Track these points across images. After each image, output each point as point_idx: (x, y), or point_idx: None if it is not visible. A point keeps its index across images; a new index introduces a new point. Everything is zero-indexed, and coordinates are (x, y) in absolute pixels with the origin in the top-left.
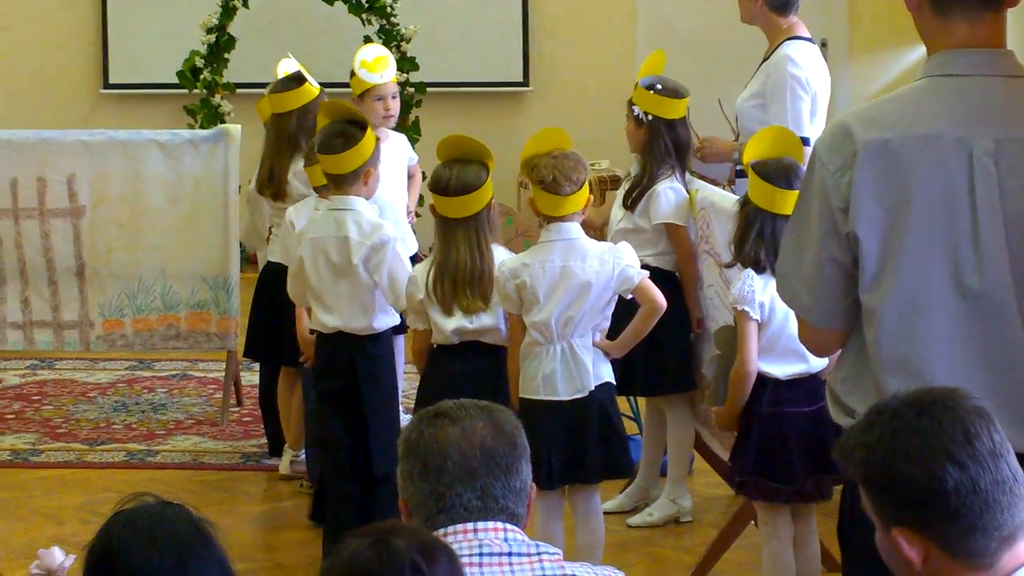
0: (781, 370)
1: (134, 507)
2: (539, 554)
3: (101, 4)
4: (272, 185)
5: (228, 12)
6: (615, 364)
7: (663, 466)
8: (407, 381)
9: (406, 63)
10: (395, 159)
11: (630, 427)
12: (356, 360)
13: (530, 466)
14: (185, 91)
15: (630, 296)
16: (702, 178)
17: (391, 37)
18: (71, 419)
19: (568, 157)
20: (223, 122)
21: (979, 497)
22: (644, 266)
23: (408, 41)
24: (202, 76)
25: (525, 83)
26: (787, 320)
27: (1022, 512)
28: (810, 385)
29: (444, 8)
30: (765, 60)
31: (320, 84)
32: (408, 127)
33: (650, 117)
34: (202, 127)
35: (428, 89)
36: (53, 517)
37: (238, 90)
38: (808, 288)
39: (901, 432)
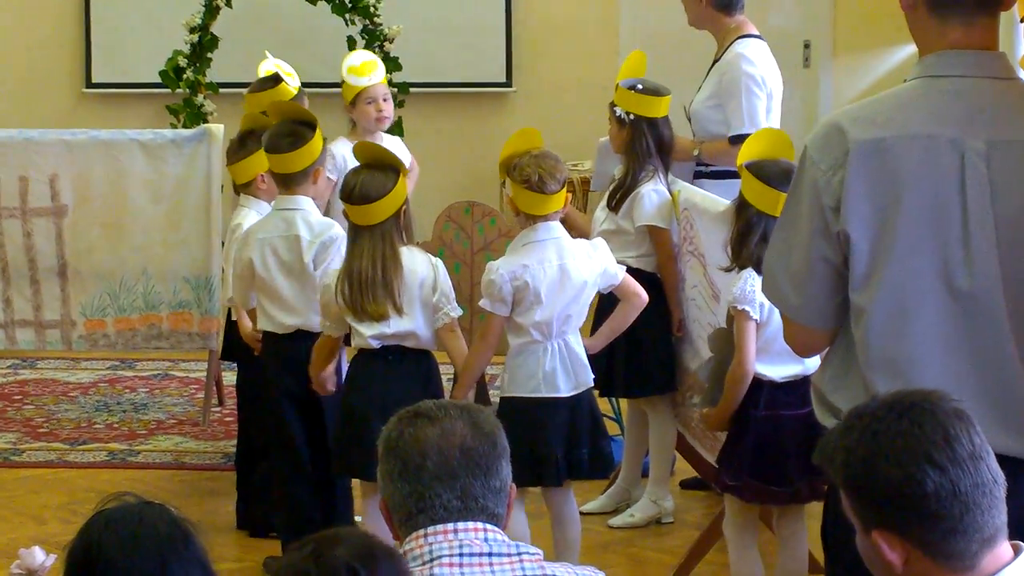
0: (777, 372)
1: (115, 507)
2: (519, 554)
3: (84, 3)
4: None
5: (211, 12)
6: (597, 366)
7: (645, 467)
8: None
9: (389, 63)
10: None
11: (612, 428)
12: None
13: (510, 466)
14: (168, 91)
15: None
16: None
17: (374, 37)
18: (52, 419)
19: (548, 156)
20: (206, 122)
21: (959, 500)
22: (626, 267)
23: (391, 41)
24: (185, 76)
25: (508, 84)
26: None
27: (1002, 514)
28: (804, 388)
29: (427, 8)
30: (716, 61)
31: (304, 84)
32: (392, 128)
33: (632, 117)
34: (185, 127)
35: (411, 89)
36: (34, 517)
37: (221, 90)
38: (796, 287)
39: (881, 435)
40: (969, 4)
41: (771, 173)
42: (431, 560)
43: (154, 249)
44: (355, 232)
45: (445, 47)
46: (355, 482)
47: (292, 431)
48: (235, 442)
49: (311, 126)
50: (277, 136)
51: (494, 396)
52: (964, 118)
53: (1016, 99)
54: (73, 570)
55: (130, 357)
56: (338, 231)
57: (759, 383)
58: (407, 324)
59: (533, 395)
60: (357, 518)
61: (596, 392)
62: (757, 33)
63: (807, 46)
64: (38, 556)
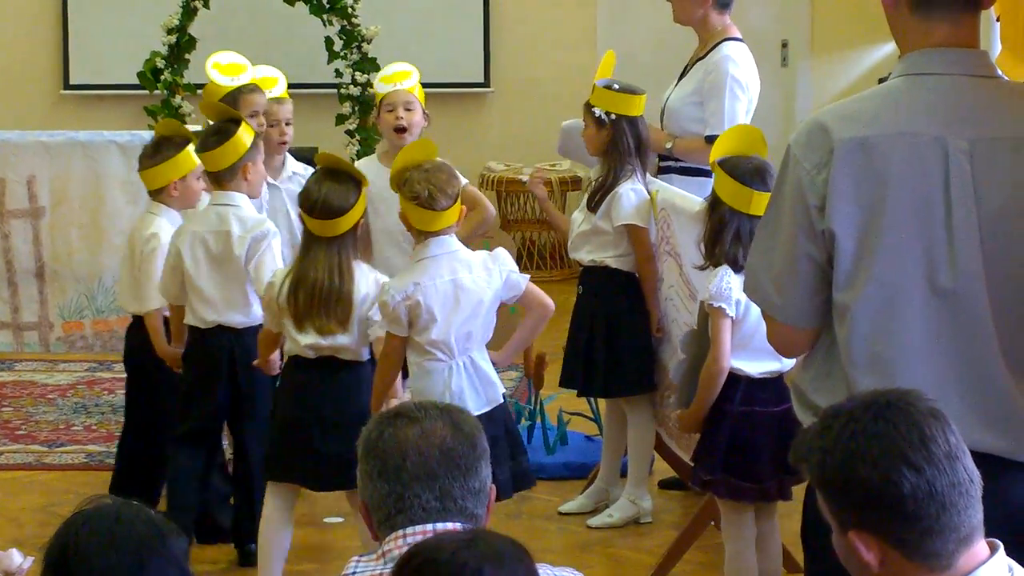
0: (755, 367)
1: (92, 507)
2: None
3: (61, 4)
4: None
5: (189, 13)
6: (575, 366)
7: (623, 467)
8: None
9: (367, 64)
10: None
11: (590, 428)
12: (235, 353)
13: (490, 468)
14: (146, 92)
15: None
16: None
17: (352, 38)
18: (30, 421)
19: (441, 170)
20: (184, 123)
21: (935, 500)
22: (605, 267)
23: (369, 42)
24: (163, 77)
25: (486, 84)
26: (762, 318)
27: (979, 513)
28: (779, 385)
29: (405, 9)
30: (699, 59)
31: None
32: (369, 128)
33: (612, 116)
34: None
35: None
36: (12, 519)
37: (199, 91)
38: (778, 286)
39: (857, 436)
40: (955, 2)
41: (744, 170)
42: None
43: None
44: (310, 240)
45: (423, 47)
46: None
47: (205, 424)
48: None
49: (236, 122)
50: (205, 136)
51: None
52: (948, 116)
53: (999, 97)
54: (50, 569)
55: (108, 359)
56: (270, 227)
57: (735, 378)
58: (344, 339)
59: None
60: (338, 519)
61: (575, 392)
62: (740, 36)
63: (784, 45)
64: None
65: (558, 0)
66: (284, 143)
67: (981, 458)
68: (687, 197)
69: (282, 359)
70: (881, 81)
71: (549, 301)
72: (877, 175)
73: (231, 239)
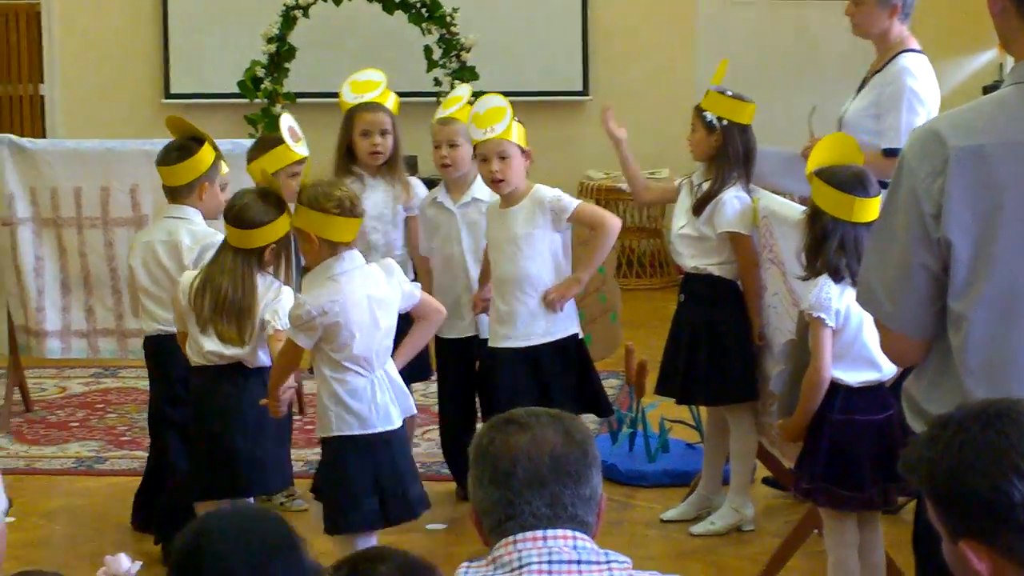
0: (854, 377)
1: (226, 508)
2: (608, 562)
3: (163, 15)
4: None
5: (288, 22)
6: (676, 374)
7: (725, 475)
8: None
9: (466, 72)
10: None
11: (691, 436)
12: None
13: (600, 475)
14: (246, 100)
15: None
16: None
17: (451, 46)
18: (135, 427)
19: (342, 182)
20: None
21: None
22: (707, 275)
23: (468, 50)
24: (263, 86)
25: (585, 92)
26: (861, 327)
27: None
28: (879, 393)
29: (504, 17)
30: (877, 72)
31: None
32: None
33: (724, 122)
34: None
35: None
36: (118, 525)
37: (298, 100)
38: (891, 295)
39: (966, 446)
40: None
41: (843, 178)
42: (520, 567)
43: None
44: (224, 247)
45: (521, 56)
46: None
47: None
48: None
49: (199, 141)
50: (168, 150)
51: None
52: None
53: None
54: (179, 567)
55: None
56: (220, 238)
57: (835, 388)
58: (244, 350)
59: (367, 432)
60: (441, 526)
61: (674, 400)
62: (919, 48)
63: None
64: (124, 563)
65: (656, 7)
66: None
67: None
68: (788, 205)
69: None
70: (986, 90)
71: (442, 308)
72: (992, 183)
73: (180, 250)
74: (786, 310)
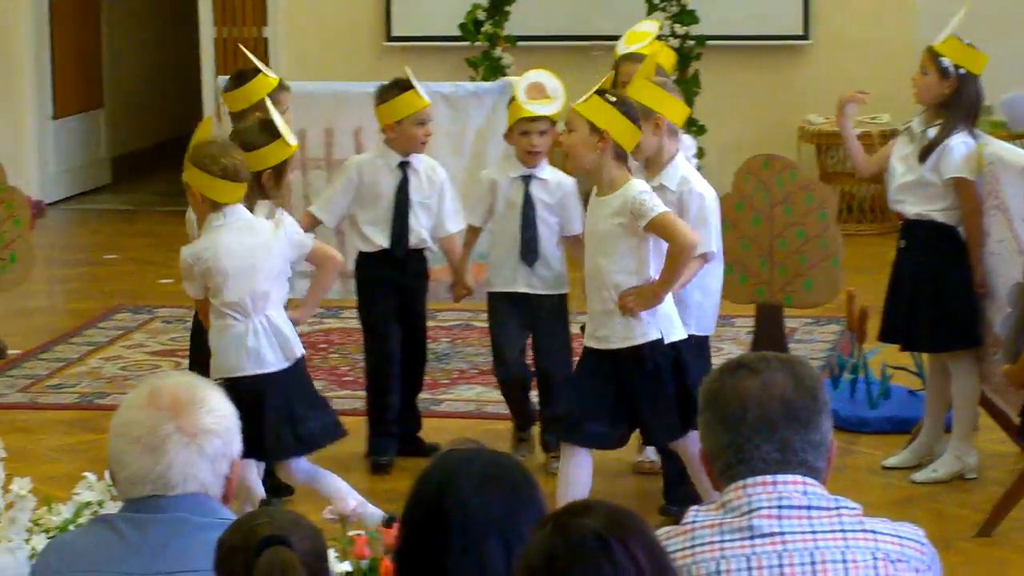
0: None
1: (469, 448)
2: (838, 508)
3: None
4: None
5: None
6: (899, 321)
7: (947, 422)
8: None
9: (686, 16)
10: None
11: (914, 383)
12: None
13: (831, 421)
14: (467, 43)
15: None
16: None
17: None
18: (357, 367)
19: (232, 146)
20: (504, 75)
21: None
22: (930, 221)
23: None
24: (483, 29)
25: (805, 36)
26: None
27: None
28: None
29: None
30: None
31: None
32: (688, 80)
33: (961, 71)
34: (484, 80)
35: (707, 42)
36: (342, 465)
37: (519, 43)
38: None
39: None
40: None
41: None
42: (750, 511)
43: None
44: None
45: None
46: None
47: None
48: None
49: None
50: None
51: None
52: None
53: None
54: (421, 506)
55: (431, 308)
56: None
57: None
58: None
59: (237, 375)
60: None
61: (898, 347)
62: None
63: None
64: (350, 502)
65: None
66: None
67: None
68: (1015, 151)
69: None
70: None
71: (337, 255)
72: None
73: None
74: (1011, 256)
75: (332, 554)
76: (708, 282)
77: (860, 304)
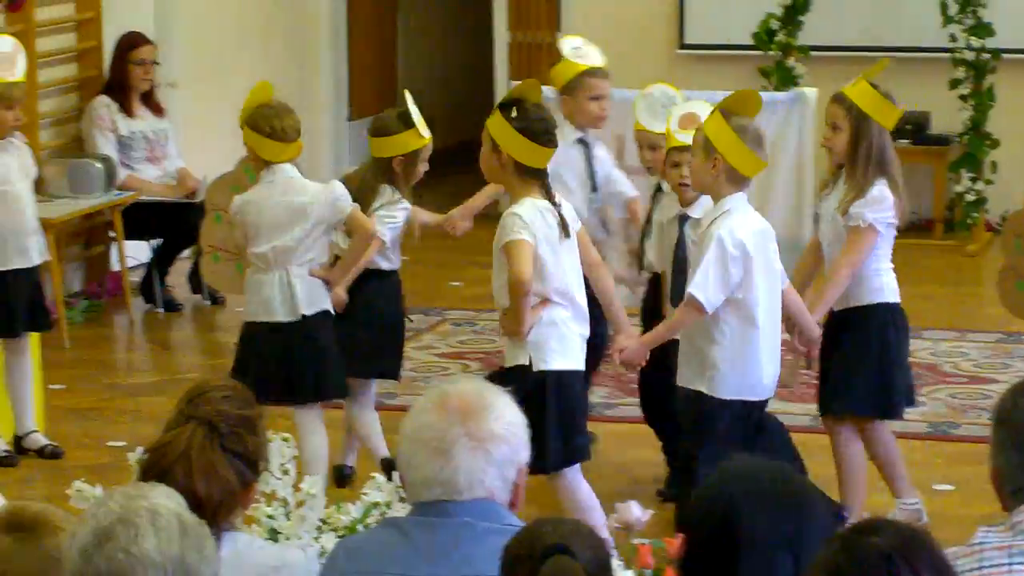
0: None
1: (751, 462)
2: None
3: None
4: None
5: None
6: None
7: None
8: None
9: (981, 29)
10: None
11: None
12: None
13: None
14: (759, 52)
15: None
16: None
17: (967, 1)
18: None
19: (287, 110)
20: (796, 84)
21: None
22: None
23: (984, 6)
24: (776, 38)
25: None
26: None
27: None
28: None
29: None
30: None
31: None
32: (983, 93)
33: None
34: (776, 89)
35: (1003, 56)
36: (626, 471)
37: (812, 53)
38: None
39: None
40: None
41: None
42: None
43: None
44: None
45: None
46: None
47: None
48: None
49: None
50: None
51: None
52: None
53: None
54: (708, 516)
55: None
56: None
57: None
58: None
59: (253, 319)
60: (949, 487)
61: None
62: None
63: None
64: (635, 510)
65: None
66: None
67: None
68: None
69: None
70: None
71: (370, 225)
72: None
73: None
74: None
75: (616, 563)
76: (727, 341)
77: None
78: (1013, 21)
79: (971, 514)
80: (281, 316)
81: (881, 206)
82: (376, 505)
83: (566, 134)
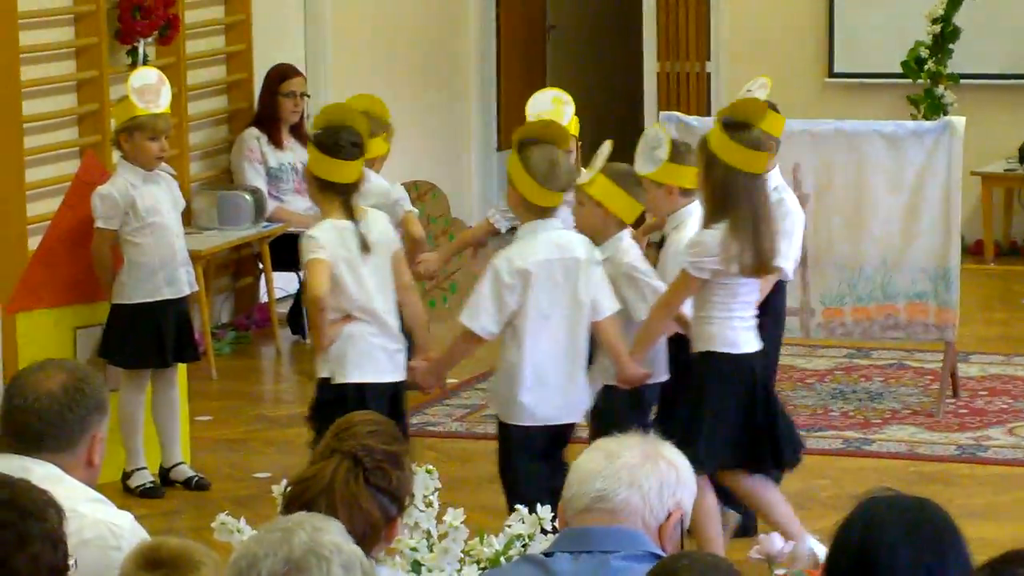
0: None
1: (890, 494)
2: None
3: None
4: None
5: (954, 3)
6: None
7: None
8: None
9: None
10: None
11: None
12: None
13: None
14: (908, 81)
15: None
16: None
17: None
18: (789, 404)
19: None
20: (946, 113)
21: None
22: None
23: None
24: (926, 66)
25: None
26: None
27: None
28: None
29: None
30: None
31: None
32: None
33: None
34: (924, 118)
35: None
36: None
37: (961, 81)
38: None
39: None
40: None
41: None
42: None
43: (892, 239)
44: None
45: None
46: None
47: None
48: (968, 434)
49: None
50: None
51: None
52: None
53: None
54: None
55: (866, 346)
56: None
57: None
58: None
59: None
60: None
61: None
62: None
63: None
64: (776, 543)
65: None
66: None
67: None
68: None
69: None
70: None
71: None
72: None
73: None
74: None
75: None
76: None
77: None
78: None
79: None
80: None
81: (697, 250)
82: (519, 537)
83: None
